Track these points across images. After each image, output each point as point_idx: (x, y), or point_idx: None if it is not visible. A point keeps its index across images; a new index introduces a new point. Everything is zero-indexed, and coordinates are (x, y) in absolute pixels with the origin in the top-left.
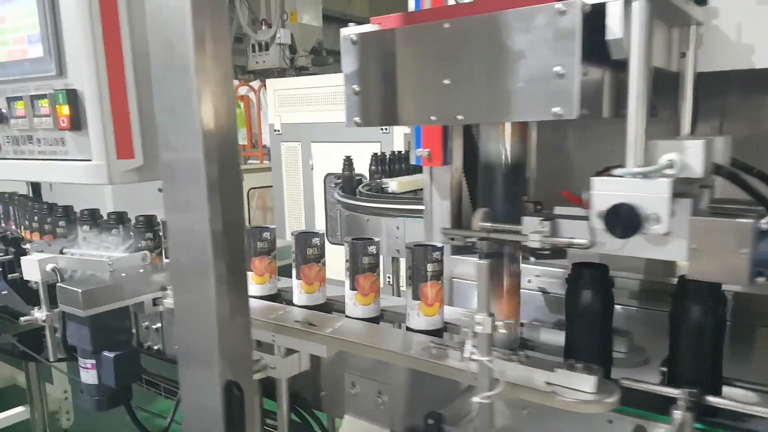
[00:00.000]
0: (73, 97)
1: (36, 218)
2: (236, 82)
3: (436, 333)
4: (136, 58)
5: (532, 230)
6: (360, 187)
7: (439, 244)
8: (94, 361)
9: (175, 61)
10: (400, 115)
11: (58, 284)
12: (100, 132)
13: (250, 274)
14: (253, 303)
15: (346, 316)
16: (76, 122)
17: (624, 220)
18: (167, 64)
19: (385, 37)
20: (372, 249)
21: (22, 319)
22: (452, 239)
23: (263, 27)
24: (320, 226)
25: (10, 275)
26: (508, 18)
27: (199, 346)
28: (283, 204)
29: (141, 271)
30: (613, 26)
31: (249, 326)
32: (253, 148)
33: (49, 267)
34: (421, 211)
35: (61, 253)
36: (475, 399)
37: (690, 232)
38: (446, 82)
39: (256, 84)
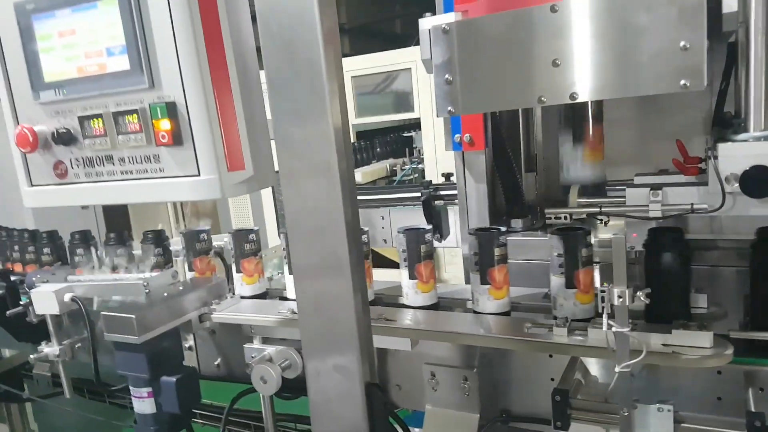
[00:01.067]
0: (173, 110)
1: (19, 248)
2: None
3: (505, 315)
4: (237, 64)
5: (643, 201)
6: None
7: (503, 228)
8: (150, 389)
9: (301, 63)
10: (504, 99)
11: (103, 313)
12: (209, 145)
13: (239, 276)
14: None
15: (405, 306)
16: (177, 136)
17: (761, 181)
18: (291, 67)
19: (484, 23)
20: (428, 237)
21: (32, 357)
22: (555, 218)
23: None
24: (271, 224)
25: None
26: None
27: (336, 347)
28: (227, 206)
29: (180, 288)
30: (729, 1)
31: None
32: None
33: (67, 297)
34: (404, 199)
35: (66, 281)
36: (617, 368)
37: None
38: (557, 62)
39: None
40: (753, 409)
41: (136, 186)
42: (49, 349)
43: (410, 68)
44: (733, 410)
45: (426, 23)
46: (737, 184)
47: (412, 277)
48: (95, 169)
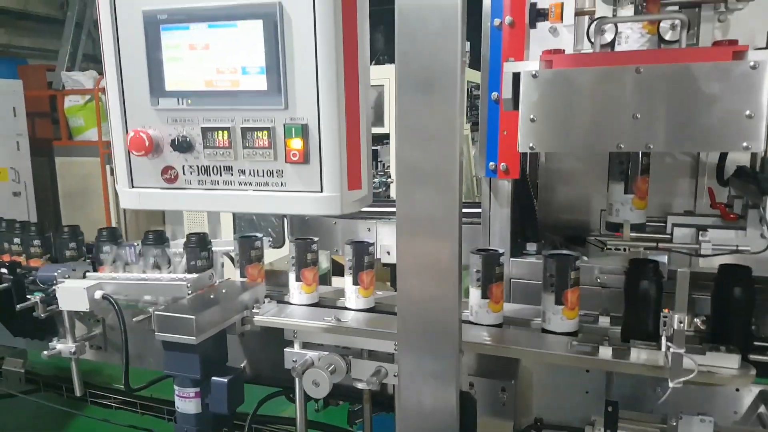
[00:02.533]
0: (305, 130)
1: (35, 241)
2: (96, 75)
3: (573, 334)
4: (364, 88)
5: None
6: None
7: (575, 253)
8: (197, 389)
9: (439, 85)
10: (584, 143)
11: (156, 312)
12: (335, 165)
13: (298, 284)
14: (297, 309)
15: (472, 323)
16: (307, 155)
17: None
18: (427, 89)
19: (571, 75)
20: (502, 260)
21: (44, 353)
22: (615, 249)
23: None
24: (227, 230)
25: (18, 305)
26: (705, 70)
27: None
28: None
29: (224, 291)
30: None
31: None
32: None
33: (98, 294)
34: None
35: (84, 277)
36: (672, 384)
37: None
38: (637, 116)
39: None
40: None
41: (254, 196)
42: (63, 345)
43: (383, 84)
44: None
45: (511, 67)
46: None
47: (484, 296)
48: (210, 178)
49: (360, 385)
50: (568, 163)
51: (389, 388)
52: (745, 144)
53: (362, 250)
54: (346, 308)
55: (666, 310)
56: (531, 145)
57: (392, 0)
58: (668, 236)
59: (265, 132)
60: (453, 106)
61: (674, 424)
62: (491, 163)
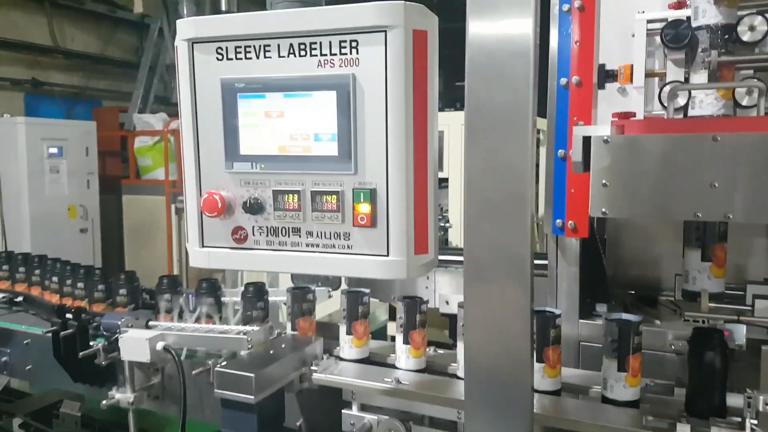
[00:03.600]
0: (374, 195)
1: (99, 286)
2: (166, 117)
3: (634, 404)
4: (432, 153)
5: None
6: None
7: (637, 317)
8: None
9: (517, 128)
10: (661, 210)
11: (217, 369)
12: (402, 229)
13: (349, 338)
14: (358, 368)
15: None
16: (374, 219)
17: None
18: (507, 133)
19: (645, 141)
20: (559, 321)
21: (104, 402)
22: (693, 321)
23: None
24: (285, 278)
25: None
26: None
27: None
28: None
29: (283, 346)
30: None
31: None
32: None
33: (159, 346)
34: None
35: (147, 327)
36: None
37: None
38: (715, 184)
39: None
40: None
41: (320, 258)
42: (121, 395)
43: (443, 130)
44: None
45: (581, 131)
46: None
47: (540, 360)
48: (278, 239)
49: None
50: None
51: None
52: None
53: (413, 307)
54: (395, 367)
55: (748, 390)
56: (603, 210)
57: (448, 45)
58: (749, 308)
59: (334, 196)
60: (525, 145)
61: None
62: (558, 221)
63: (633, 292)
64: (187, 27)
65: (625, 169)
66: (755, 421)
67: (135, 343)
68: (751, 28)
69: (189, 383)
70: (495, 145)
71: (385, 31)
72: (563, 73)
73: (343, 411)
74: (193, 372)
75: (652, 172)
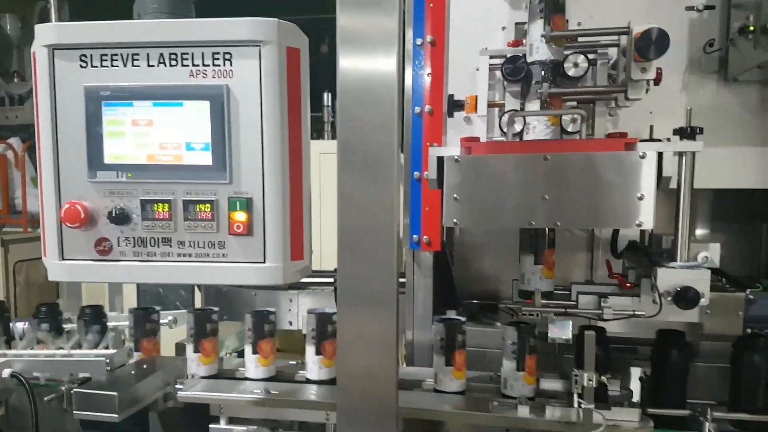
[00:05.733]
0: (250, 204)
1: None
2: None
3: (461, 393)
4: (307, 163)
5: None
6: None
7: (463, 318)
8: None
9: (378, 169)
10: (502, 220)
11: (75, 390)
12: (279, 237)
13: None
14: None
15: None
16: (250, 228)
17: (689, 297)
18: (371, 173)
19: (489, 161)
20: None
21: None
22: (529, 314)
23: (15, 80)
24: (131, 298)
25: None
26: (604, 158)
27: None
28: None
29: (144, 367)
30: (667, 168)
31: None
32: (9, 214)
33: (6, 373)
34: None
35: None
36: None
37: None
38: (546, 197)
39: (15, 141)
40: None
41: (194, 268)
42: None
43: None
44: None
45: (435, 152)
46: (671, 298)
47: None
48: (147, 249)
49: None
50: (480, 238)
51: None
52: (637, 222)
53: (262, 318)
54: (246, 378)
55: (575, 370)
56: (454, 221)
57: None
58: (573, 303)
59: (208, 205)
60: (390, 184)
61: None
62: (415, 236)
63: (477, 302)
64: (48, 32)
65: (472, 185)
66: (582, 400)
67: None
68: (575, 65)
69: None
70: (364, 179)
71: (260, 46)
72: (417, 102)
73: (210, 426)
74: (45, 399)
75: (494, 187)
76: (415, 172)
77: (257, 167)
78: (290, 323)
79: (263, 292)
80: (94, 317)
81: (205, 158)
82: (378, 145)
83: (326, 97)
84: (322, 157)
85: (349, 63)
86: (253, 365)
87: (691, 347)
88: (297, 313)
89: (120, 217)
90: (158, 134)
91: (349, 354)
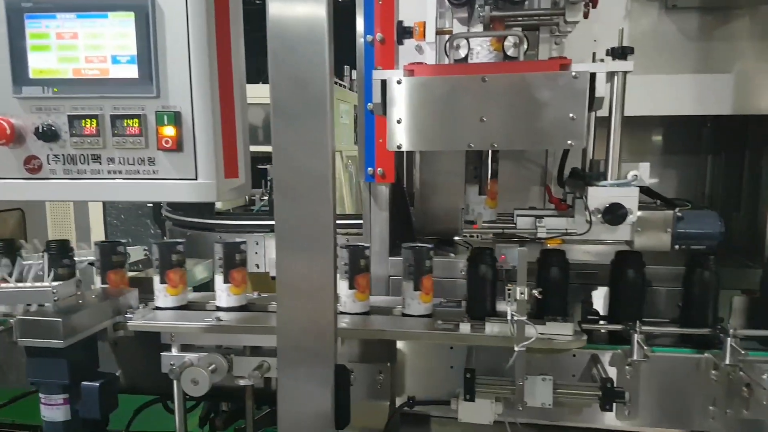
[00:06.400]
0: (178, 118)
1: None
2: None
3: (428, 316)
4: (238, 79)
5: (528, 226)
6: None
7: (430, 245)
8: (66, 396)
9: (310, 96)
10: (442, 141)
11: (18, 317)
12: (210, 153)
13: (163, 287)
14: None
15: (342, 312)
16: (180, 143)
17: (618, 213)
18: (301, 98)
19: (430, 83)
20: (367, 252)
21: None
22: (470, 236)
23: None
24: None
25: None
26: (538, 79)
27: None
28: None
29: (94, 297)
30: (600, 89)
31: None
32: None
33: None
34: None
35: None
36: (516, 348)
37: (637, 221)
38: (484, 119)
39: None
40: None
41: (124, 185)
42: None
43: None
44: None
45: (379, 74)
46: (600, 215)
47: (351, 287)
48: (77, 167)
49: (242, 382)
50: (441, 177)
51: (272, 383)
52: (569, 142)
53: (233, 249)
54: (218, 308)
55: (509, 284)
56: (398, 144)
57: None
58: (513, 225)
59: (136, 120)
60: (324, 124)
61: (521, 383)
62: (369, 169)
63: (433, 237)
64: None
65: (414, 108)
66: (515, 308)
67: None
68: None
69: None
70: (300, 125)
71: None
72: (369, 30)
73: (162, 353)
74: None
75: (435, 109)
76: (369, 103)
77: (185, 81)
78: (257, 266)
79: (229, 236)
80: (61, 251)
81: (132, 71)
82: (310, 91)
83: None
84: None
85: (277, 9)
86: (225, 294)
87: (642, 268)
88: (264, 255)
89: (48, 134)
90: (83, 47)
91: (287, 296)
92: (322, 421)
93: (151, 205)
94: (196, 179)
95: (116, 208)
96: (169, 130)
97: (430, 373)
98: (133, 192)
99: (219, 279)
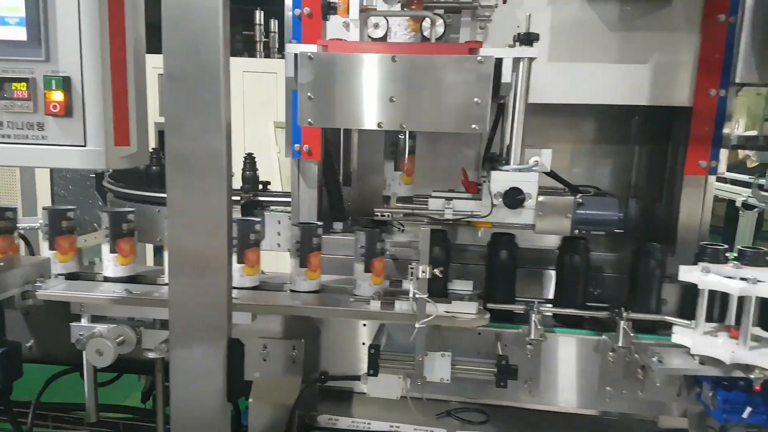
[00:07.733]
0: (67, 83)
1: None
2: None
3: (316, 293)
4: (132, 47)
5: (439, 208)
6: None
7: (320, 223)
8: None
9: (204, 65)
10: (352, 120)
11: None
12: (99, 120)
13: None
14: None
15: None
16: (69, 108)
17: (516, 198)
18: (195, 67)
19: (341, 60)
20: (258, 227)
21: None
22: (381, 215)
23: None
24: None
25: None
26: (445, 61)
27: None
28: None
29: (2, 264)
30: (506, 74)
31: None
32: None
33: None
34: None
35: None
36: (417, 324)
37: (538, 206)
38: (393, 99)
39: None
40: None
41: (12, 149)
42: None
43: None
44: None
45: (293, 48)
46: (501, 199)
47: (240, 261)
48: None
49: (150, 354)
50: (378, 157)
51: None
52: (474, 126)
53: (119, 218)
54: (106, 279)
55: (412, 263)
56: (309, 120)
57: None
58: (424, 206)
59: (24, 83)
60: (217, 97)
61: (420, 359)
62: (296, 145)
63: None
64: None
65: (325, 84)
66: (417, 291)
67: None
68: None
69: None
70: (187, 96)
71: None
72: (297, 4)
73: (71, 324)
74: None
75: (346, 86)
76: None
77: (75, 46)
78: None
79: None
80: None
81: (20, 33)
82: (201, 66)
83: (258, 15)
84: (246, 76)
85: None
86: (111, 264)
87: (587, 254)
88: None
89: None
90: None
91: (179, 272)
92: (213, 394)
93: (94, 176)
94: (84, 146)
95: (64, 178)
96: (57, 95)
97: (343, 349)
98: (21, 157)
99: (105, 249)
